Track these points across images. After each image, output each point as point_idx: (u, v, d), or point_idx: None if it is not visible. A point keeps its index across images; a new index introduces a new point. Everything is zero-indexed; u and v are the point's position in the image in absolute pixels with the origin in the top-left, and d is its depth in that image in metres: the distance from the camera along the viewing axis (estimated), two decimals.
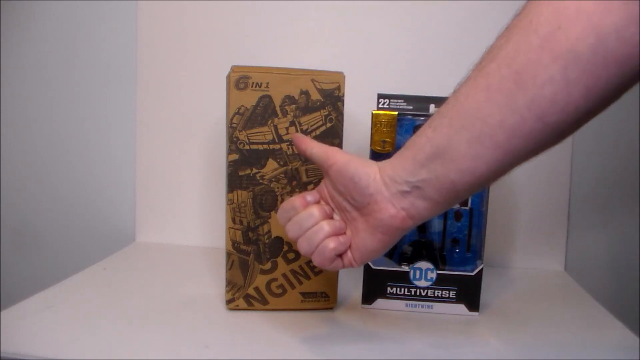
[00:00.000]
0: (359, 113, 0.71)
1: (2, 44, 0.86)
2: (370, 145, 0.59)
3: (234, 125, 0.55)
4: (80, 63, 0.85)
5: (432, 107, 0.61)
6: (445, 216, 0.61)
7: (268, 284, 0.58)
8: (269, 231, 0.57)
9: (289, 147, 0.56)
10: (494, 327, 0.57)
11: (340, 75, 0.56)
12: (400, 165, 0.41)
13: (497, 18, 0.86)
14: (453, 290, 0.60)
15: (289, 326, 0.55)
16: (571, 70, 0.33)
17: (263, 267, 0.58)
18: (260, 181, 0.56)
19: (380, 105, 0.60)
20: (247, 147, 0.56)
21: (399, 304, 0.60)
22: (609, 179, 0.81)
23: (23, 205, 0.89)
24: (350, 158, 0.44)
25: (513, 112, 0.36)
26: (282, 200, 0.57)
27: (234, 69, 0.55)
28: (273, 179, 0.57)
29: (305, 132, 0.56)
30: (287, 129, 0.56)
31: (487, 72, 0.37)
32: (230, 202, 0.57)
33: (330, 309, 0.60)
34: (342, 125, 0.57)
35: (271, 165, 0.56)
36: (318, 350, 0.51)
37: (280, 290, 0.58)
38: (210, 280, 0.68)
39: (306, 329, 0.55)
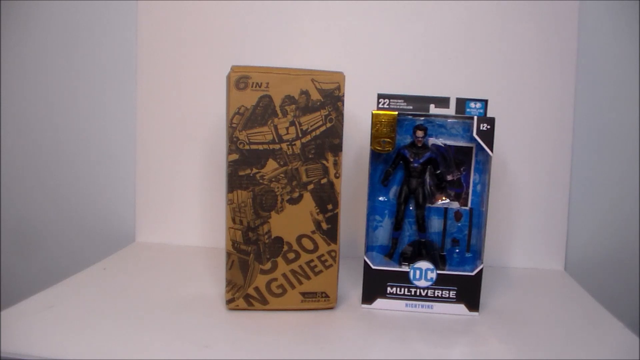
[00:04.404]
0: (359, 113, 0.71)
1: (2, 44, 0.86)
2: (370, 145, 0.59)
3: (234, 125, 0.55)
4: (80, 63, 0.85)
5: (432, 107, 0.61)
6: (445, 216, 0.61)
7: (268, 284, 0.58)
8: (269, 231, 0.57)
9: (289, 147, 0.56)
10: (494, 327, 0.57)
11: (340, 75, 0.56)
12: None
13: (498, 18, 0.86)
14: (453, 290, 0.60)
15: (289, 326, 0.55)
16: None
17: (263, 267, 0.58)
18: (260, 181, 0.56)
19: (380, 105, 0.60)
20: (247, 147, 0.56)
21: (399, 304, 0.60)
22: (609, 179, 0.81)
23: (23, 205, 0.89)
24: None
25: None
26: (282, 200, 0.57)
27: (234, 69, 0.55)
28: (273, 179, 0.57)
29: (306, 132, 0.56)
30: (287, 129, 0.56)
31: None
32: (230, 202, 0.57)
33: (330, 308, 0.60)
34: (342, 125, 0.57)
35: (271, 165, 0.56)
36: (318, 350, 0.51)
37: (280, 290, 0.58)
38: (210, 280, 0.68)
39: (306, 329, 0.55)
